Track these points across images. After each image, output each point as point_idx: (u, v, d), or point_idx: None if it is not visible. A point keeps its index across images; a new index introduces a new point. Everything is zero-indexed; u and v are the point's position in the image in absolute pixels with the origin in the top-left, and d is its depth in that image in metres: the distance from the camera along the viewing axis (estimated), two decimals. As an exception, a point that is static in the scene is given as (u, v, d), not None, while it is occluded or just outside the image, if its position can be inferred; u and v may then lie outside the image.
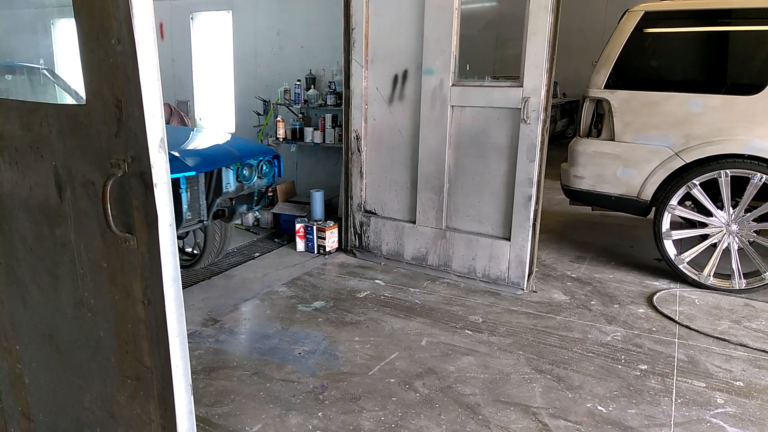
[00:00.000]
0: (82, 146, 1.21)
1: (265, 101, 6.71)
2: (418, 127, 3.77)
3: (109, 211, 1.14)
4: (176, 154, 2.99)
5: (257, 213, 3.56)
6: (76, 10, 1.12)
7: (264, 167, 3.47)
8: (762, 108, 3.29)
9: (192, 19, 7.40)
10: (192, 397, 1.27)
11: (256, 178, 3.43)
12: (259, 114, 6.65)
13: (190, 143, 3.48)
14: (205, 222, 3.09)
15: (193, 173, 2.95)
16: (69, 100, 4.17)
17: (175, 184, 2.89)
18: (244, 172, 3.32)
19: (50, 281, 1.41)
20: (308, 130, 6.14)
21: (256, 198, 3.56)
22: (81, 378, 1.44)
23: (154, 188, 1.10)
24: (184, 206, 2.96)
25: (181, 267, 3.76)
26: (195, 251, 4.02)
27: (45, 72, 4.24)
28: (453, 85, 3.58)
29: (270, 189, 3.67)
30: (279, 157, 3.59)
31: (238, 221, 4.71)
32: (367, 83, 3.97)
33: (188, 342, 1.25)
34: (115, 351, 1.32)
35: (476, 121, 3.56)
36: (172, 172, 2.63)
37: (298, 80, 6.42)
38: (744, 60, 3.57)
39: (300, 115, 6.77)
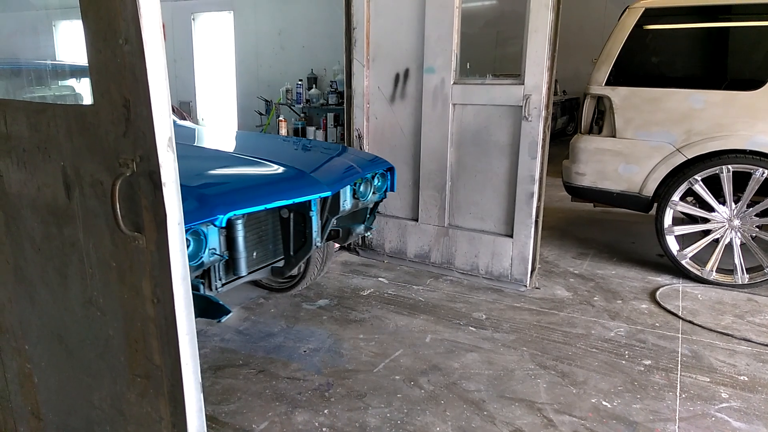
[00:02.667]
0: (90, 146, 1.22)
1: (267, 101, 6.72)
2: (419, 125, 3.78)
3: (118, 210, 1.15)
4: (305, 170, 2.56)
5: (370, 234, 3.08)
6: (83, 11, 1.13)
7: (378, 181, 3.06)
8: (763, 103, 3.30)
9: (193, 20, 7.41)
10: (201, 394, 1.29)
11: (371, 193, 3.01)
12: (261, 114, 6.65)
13: (308, 157, 2.98)
14: (319, 245, 2.62)
15: (329, 193, 2.49)
16: None
17: (302, 208, 2.46)
18: (361, 187, 2.92)
19: (59, 281, 1.42)
20: (310, 130, 6.15)
21: (368, 216, 3.14)
22: (90, 376, 1.45)
23: (163, 187, 1.11)
24: (314, 231, 2.52)
25: (276, 290, 3.36)
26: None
27: None
28: (454, 83, 3.59)
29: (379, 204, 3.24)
30: (393, 170, 3.14)
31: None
32: (369, 82, 3.98)
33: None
34: (124, 349, 1.33)
35: (478, 119, 3.57)
36: (301, 193, 2.38)
37: (300, 80, 6.44)
38: (745, 56, 3.57)
39: (302, 115, 6.78)
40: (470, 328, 2.99)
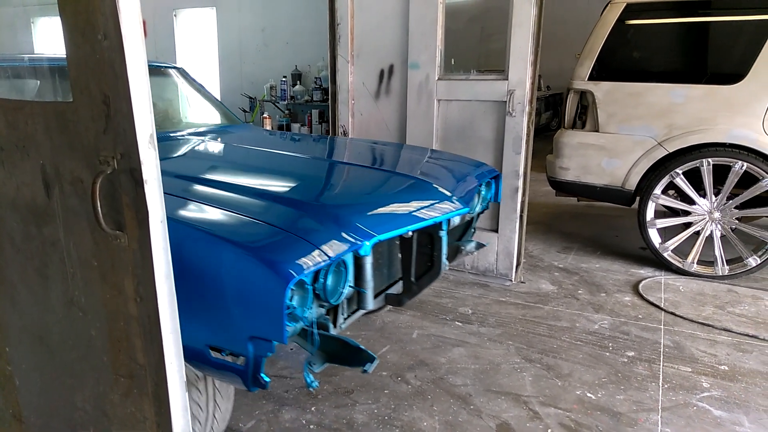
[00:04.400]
0: (70, 144, 1.20)
1: (251, 98, 6.67)
2: (405, 121, 3.78)
3: (99, 208, 1.13)
4: (441, 188, 2.18)
5: (474, 251, 2.68)
6: (60, 6, 1.11)
7: (483, 190, 2.67)
8: (742, 97, 3.35)
9: (175, 16, 7.32)
10: (186, 394, 1.28)
11: (478, 204, 2.65)
12: (245, 111, 6.60)
13: (425, 167, 2.55)
14: (447, 269, 2.30)
15: (467, 210, 2.14)
16: (202, 104, 3.40)
17: (429, 227, 2.05)
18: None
19: (39, 281, 1.40)
20: (295, 126, 6.12)
21: (471, 229, 2.76)
22: (73, 377, 1.43)
23: (144, 184, 1.10)
24: (443, 253, 2.15)
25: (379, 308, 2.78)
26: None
27: (174, 72, 3.37)
28: (439, 79, 3.59)
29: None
30: (499, 177, 2.79)
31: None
32: (354, 78, 3.97)
33: (181, 338, 1.26)
34: (107, 349, 1.32)
35: (462, 114, 3.58)
36: (442, 210, 2.01)
37: (284, 76, 6.40)
38: (724, 50, 3.63)
39: (286, 112, 6.74)
40: (456, 323, 3.00)
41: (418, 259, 2.15)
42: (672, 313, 3.11)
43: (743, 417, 2.19)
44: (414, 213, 1.95)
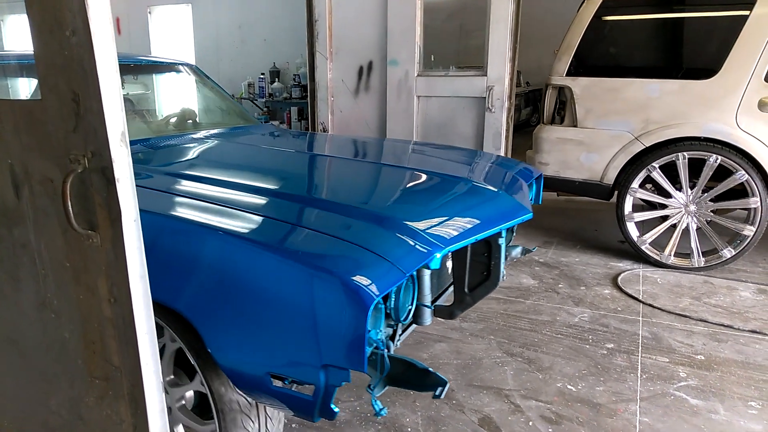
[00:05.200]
0: (39, 143, 1.18)
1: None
2: (385, 118, 3.78)
3: (70, 208, 1.11)
4: (505, 192, 2.06)
5: (520, 256, 2.49)
6: (28, 4, 1.08)
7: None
8: (716, 92, 3.41)
9: (150, 13, 7.21)
10: (164, 395, 1.26)
11: None
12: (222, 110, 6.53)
13: (489, 171, 2.43)
14: (504, 279, 2.16)
15: (530, 215, 1.99)
16: (219, 103, 3.23)
17: (488, 240, 1.92)
18: None
19: (10, 284, 1.37)
20: (274, 124, 6.09)
21: (513, 234, 2.63)
22: (46, 381, 1.41)
23: (117, 183, 1.08)
24: (502, 262, 1.99)
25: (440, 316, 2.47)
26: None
27: (185, 69, 3.18)
28: (418, 75, 3.60)
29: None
30: (541, 178, 2.68)
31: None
32: (333, 75, 3.95)
33: (158, 339, 1.24)
34: (81, 352, 1.29)
35: (442, 110, 3.59)
36: (508, 217, 1.88)
37: (262, 74, 6.35)
38: (698, 45, 3.68)
39: (265, 109, 6.69)
40: (438, 318, 3.01)
41: (473, 269, 2.00)
42: (650, 305, 3.16)
43: (719, 405, 2.23)
44: (482, 220, 1.80)
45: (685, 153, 3.48)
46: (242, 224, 1.50)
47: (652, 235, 3.72)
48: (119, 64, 2.92)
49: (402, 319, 1.57)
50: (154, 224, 1.48)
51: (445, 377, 1.44)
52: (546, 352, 2.65)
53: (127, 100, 2.72)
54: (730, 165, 3.39)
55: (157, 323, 1.61)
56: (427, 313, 1.76)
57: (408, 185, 2.08)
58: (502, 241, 1.95)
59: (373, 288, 1.26)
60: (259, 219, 1.55)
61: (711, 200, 3.55)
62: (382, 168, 2.28)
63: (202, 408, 1.69)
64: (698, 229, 3.61)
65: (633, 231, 3.76)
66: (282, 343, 1.31)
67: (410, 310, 1.64)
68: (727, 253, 3.52)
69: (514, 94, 3.41)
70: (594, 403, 2.25)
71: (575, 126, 3.80)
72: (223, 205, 1.63)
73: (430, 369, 1.46)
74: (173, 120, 3.00)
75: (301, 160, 2.43)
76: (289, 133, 3.22)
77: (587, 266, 3.79)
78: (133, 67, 2.91)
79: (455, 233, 1.67)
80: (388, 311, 1.50)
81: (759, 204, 3.39)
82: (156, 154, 2.31)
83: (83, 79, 1.06)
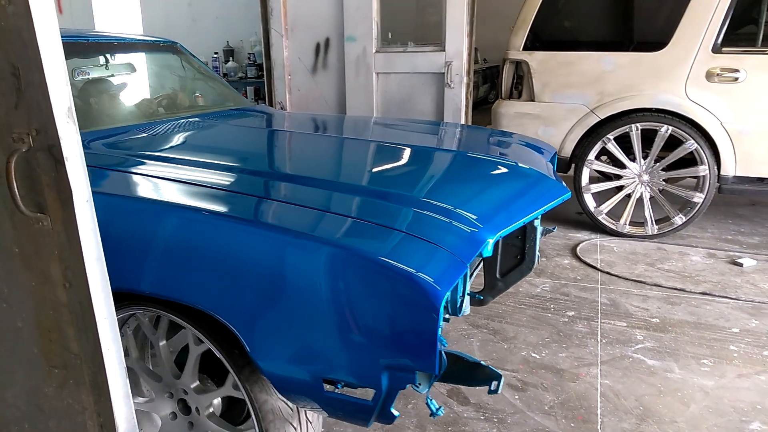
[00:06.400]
0: (-22, 122, 1.10)
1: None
2: (344, 96, 3.73)
3: (16, 190, 1.05)
4: (543, 172, 1.96)
5: (543, 236, 2.33)
6: (-45, -31, 1.00)
7: None
8: (666, 64, 3.50)
9: (93, -10, 6.85)
10: (128, 380, 1.22)
11: None
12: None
13: (520, 151, 2.28)
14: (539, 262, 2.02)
15: (569, 194, 1.89)
16: (211, 84, 2.97)
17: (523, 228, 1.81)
18: None
19: (-45, 273, 1.29)
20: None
21: None
22: (1, 373, 1.34)
23: (65, 162, 1.03)
24: (537, 245, 1.90)
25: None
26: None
27: (174, 48, 2.95)
28: (376, 52, 3.56)
29: None
30: (555, 156, 2.54)
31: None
32: (289, 53, 3.87)
33: (118, 323, 1.20)
34: (36, 341, 1.24)
35: (402, 87, 3.57)
36: (550, 197, 1.78)
37: (216, 53, 6.16)
38: (648, 18, 3.76)
39: (220, 90, 6.49)
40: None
41: (505, 252, 1.90)
42: (608, 273, 3.26)
43: (674, 364, 2.34)
44: (526, 202, 1.69)
45: (638, 124, 3.57)
46: (291, 220, 1.33)
47: (608, 205, 3.83)
48: (99, 43, 2.63)
49: (458, 313, 1.47)
50: (195, 226, 1.32)
51: (498, 370, 1.35)
52: (510, 323, 2.70)
53: (106, 82, 2.53)
54: (681, 135, 3.51)
55: (178, 325, 1.52)
56: (467, 303, 1.66)
57: (443, 167, 1.91)
58: (538, 222, 1.84)
59: (442, 282, 1.16)
60: (305, 212, 1.36)
61: (663, 170, 3.67)
62: (412, 150, 2.08)
63: (231, 413, 1.61)
64: (651, 198, 3.74)
65: (590, 202, 3.86)
66: (340, 347, 1.21)
67: (462, 301, 1.57)
68: (679, 220, 3.66)
69: (473, 70, 3.42)
70: (557, 368, 2.32)
71: (533, 100, 3.85)
72: (263, 198, 1.44)
73: (482, 362, 1.38)
74: (166, 102, 2.77)
75: (324, 143, 2.20)
76: (291, 114, 3.00)
77: (547, 238, 3.87)
78: (115, 46, 2.66)
79: (504, 217, 1.55)
80: (445, 304, 1.40)
81: (707, 172, 3.53)
82: (165, 140, 2.07)
83: (22, 51, 0.99)
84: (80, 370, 1.20)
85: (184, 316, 1.40)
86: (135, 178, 1.60)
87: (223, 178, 1.60)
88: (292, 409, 1.44)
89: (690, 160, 3.61)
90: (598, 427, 1.97)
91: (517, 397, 2.14)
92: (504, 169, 1.90)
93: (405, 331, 1.15)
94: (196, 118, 2.50)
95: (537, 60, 3.78)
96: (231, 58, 6.26)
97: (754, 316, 2.72)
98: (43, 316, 1.20)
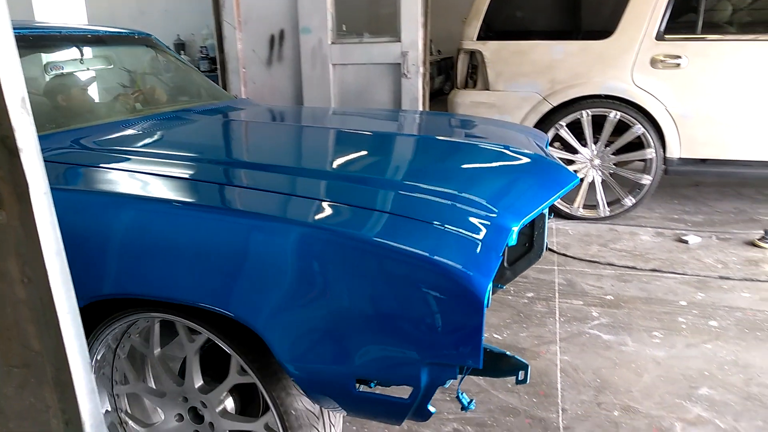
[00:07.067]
0: None
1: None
2: (300, 88, 3.71)
3: (-32, 184, 1.02)
4: (553, 159, 1.96)
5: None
6: None
7: None
8: (613, 51, 3.63)
9: (32, -18, 6.55)
10: (93, 376, 1.20)
11: None
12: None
13: (524, 139, 2.24)
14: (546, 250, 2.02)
15: (578, 180, 1.89)
16: (191, 78, 2.84)
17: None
18: None
19: None
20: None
21: None
22: (-44, 377, 1.30)
23: (20, 154, 1.00)
24: (545, 232, 1.92)
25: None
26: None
27: (147, 40, 2.85)
28: (332, 43, 3.56)
29: None
30: (548, 142, 2.53)
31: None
32: (243, 46, 3.82)
33: (81, 318, 1.17)
34: (-6, 341, 1.20)
35: (359, 78, 3.58)
36: (562, 184, 1.76)
37: (166, 47, 6.00)
38: (595, 8, 3.89)
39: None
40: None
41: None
42: (563, 254, 3.38)
43: (627, 338, 2.45)
44: (541, 189, 1.67)
45: (588, 110, 3.70)
46: (319, 215, 1.27)
47: (562, 190, 3.95)
48: (68, 35, 2.49)
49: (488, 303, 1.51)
50: (214, 227, 1.26)
51: (524, 360, 1.31)
52: (472, 306, 2.77)
53: (78, 76, 2.40)
54: (628, 120, 3.65)
55: (169, 334, 1.50)
56: (490, 294, 1.67)
57: (457, 157, 1.87)
58: (546, 210, 1.85)
59: (484, 274, 1.14)
60: (337, 209, 1.30)
61: (613, 154, 3.81)
62: (426, 141, 2.05)
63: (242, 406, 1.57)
64: (603, 181, 3.88)
65: (545, 187, 3.97)
66: (378, 345, 1.17)
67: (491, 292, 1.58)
68: (629, 201, 3.82)
69: (429, 60, 3.46)
70: (519, 348, 2.40)
71: (487, 89, 3.93)
72: (290, 195, 1.38)
73: (508, 353, 1.33)
74: (143, 98, 2.64)
75: (329, 136, 2.12)
76: (283, 108, 2.87)
77: (505, 224, 3.97)
78: (90, 38, 2.55)
79: (523, 204, 1.52)
80: None
81: (654, 155, 3.69)
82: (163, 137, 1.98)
83: (-30, 40, 0.96)
84: (42, 367, 1.17)
85: (201, 322, 1.34)
86: (141, 177, 1.51)
87: (244, 177, 1.52)
88: (315, 414, 1.40)
89: (638, 144, 3.77)
90: (559, 400, 2.05)
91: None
92: (516, 158, 1.88)
93: (449, 325, 1.12)
94: (184, 113, 2.40)
95: (490, 50, 3.85)
96: (182, 52, 6.11)
97: (699, 290, 2.88)
98: (1, 314, 1.17)
